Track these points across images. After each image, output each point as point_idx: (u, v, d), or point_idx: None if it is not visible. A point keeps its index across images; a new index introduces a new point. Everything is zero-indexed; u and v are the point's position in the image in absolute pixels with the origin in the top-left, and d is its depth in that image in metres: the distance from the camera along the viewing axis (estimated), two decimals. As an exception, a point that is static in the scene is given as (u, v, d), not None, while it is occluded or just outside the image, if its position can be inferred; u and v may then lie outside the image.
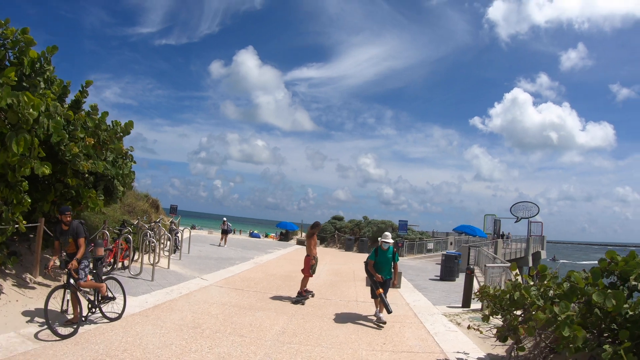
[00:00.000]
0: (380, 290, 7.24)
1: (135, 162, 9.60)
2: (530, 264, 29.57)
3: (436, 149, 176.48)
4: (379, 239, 7.65)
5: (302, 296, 8.70)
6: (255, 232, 40.48)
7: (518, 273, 6.99)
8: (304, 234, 30.80)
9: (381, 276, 7.36)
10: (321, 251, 18.40)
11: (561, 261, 50.45)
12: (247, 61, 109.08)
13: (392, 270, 7.60)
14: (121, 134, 8.17)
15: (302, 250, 16.12)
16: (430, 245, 26.37)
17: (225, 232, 20.63)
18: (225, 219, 20.96)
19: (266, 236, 38.12)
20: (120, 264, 9.79)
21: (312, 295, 9.15)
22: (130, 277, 8.94)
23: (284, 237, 33.95)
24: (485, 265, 11.92)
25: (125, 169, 9.12)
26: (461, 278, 12.42)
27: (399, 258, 8.42)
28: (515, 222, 34.50)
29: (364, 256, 10.85)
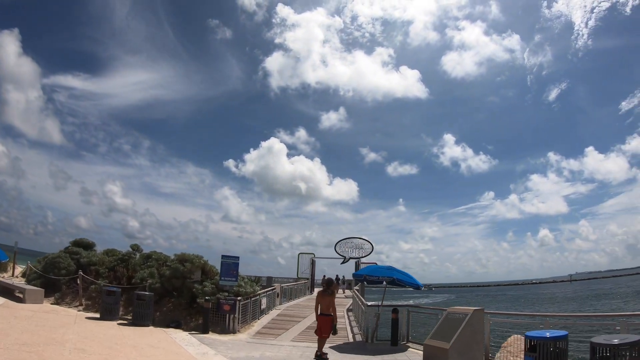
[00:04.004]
0: None
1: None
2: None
3: (188, 186, 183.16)
4: None
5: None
6: None
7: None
8: (18, 266, 19.68)
9: None
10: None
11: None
12: (8, 46, 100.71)
13: None
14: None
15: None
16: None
17: None
18: None
19: None
20: None
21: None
22: None
23: None
24: None
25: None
26: None
27: None
28: (342, 263, 28.84)
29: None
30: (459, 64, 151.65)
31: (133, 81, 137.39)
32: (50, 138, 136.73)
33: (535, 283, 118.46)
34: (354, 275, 11.71)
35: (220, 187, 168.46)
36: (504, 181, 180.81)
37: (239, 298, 12.39)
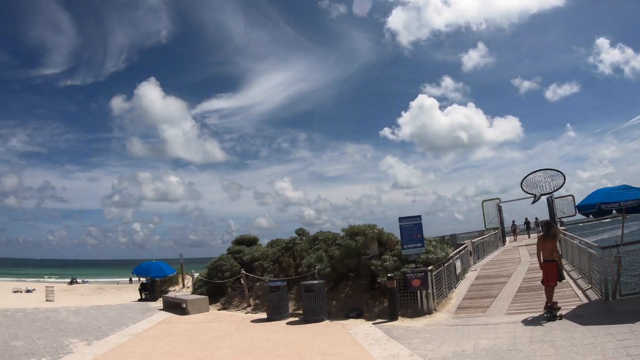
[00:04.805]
0: None
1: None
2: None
3: (352, 164, 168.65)
4: None
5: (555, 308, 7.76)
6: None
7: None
8: (188, 279, 19.60)
9: None
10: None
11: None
12: (150, 93, 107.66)
13: None
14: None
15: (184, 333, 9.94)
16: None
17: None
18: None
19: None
20: None
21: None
22: None
23: (149, 290, 18.16)
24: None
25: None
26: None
27: None
28: (533, 202, 23.82)
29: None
30: None
31: (272, 85, 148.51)
32: (214, 158, 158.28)
33: None
34: (579, 207, 8.65)
35: (382, 157, 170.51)
36: None
37: (429, 268, 10.32)
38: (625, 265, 8.40)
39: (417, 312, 9.99)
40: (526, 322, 7.78)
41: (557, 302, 7.87)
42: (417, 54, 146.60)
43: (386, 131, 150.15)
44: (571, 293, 9.49)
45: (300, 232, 16.42)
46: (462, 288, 12.17)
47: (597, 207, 8.14)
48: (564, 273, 8.31)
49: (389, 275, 10.26)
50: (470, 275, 14.04)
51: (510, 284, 11.63)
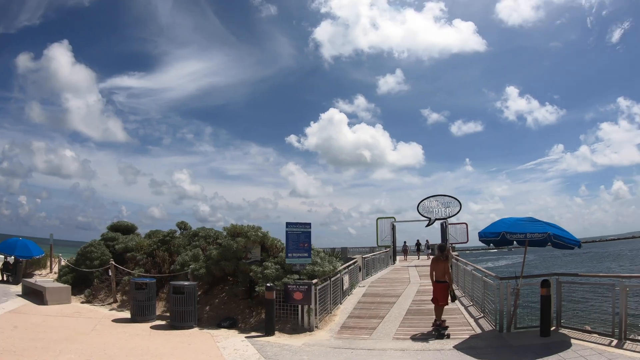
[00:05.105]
0: None
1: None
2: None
3: (253, 166, 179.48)
4: None
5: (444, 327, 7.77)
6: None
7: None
8: (55, 260, 16.94)
9: None
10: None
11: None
12: (60, 56, 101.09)
13: None
14: None
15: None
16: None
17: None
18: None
19: None
20: None
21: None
22: None
23: (12, 272, 15.62)
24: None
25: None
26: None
27: None
28: (427, 225, 24.30)
29: None
30: (514, 11, 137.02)
31: (187, 72, 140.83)
32: (115, 137, 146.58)
33: (613, 240, 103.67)
34: (482, 235, 7.66)
35: (285, 163, 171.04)
36: (573, 132, 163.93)
37: (314, 281, 9.03)
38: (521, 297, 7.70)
39: (297, 328, 8.80)
40: (415, 351, 6.84)
41: (445, 321, 7.92)
42: (337, 69, 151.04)
43: (292, 138, 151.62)
44: (463, 320, 8.76)
45: (182, 226, 14.35)
46: (348, 305, 11.00)
47: (501, 235, 7.29)
48: (455, 294, 8.31)
49: (268, 285, 8.81)
50: (358, 292, 12.97)
51: (399, 305, 10.73)
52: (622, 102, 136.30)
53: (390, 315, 9.53)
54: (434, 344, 7.15)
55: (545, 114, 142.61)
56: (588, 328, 7.13)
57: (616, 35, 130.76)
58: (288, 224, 9.74)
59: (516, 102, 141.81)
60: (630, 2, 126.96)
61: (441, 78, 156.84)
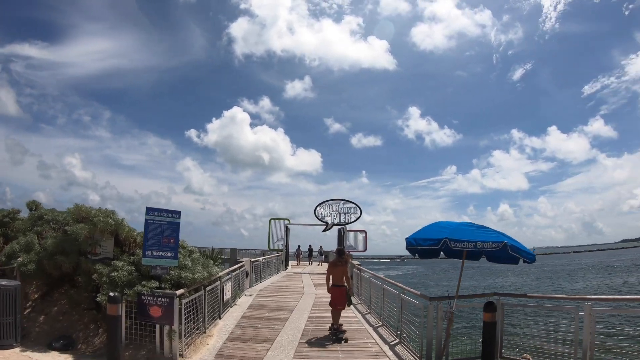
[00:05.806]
0: None
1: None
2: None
3: (149, 157, 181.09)
4: None
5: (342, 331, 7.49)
6: None
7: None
8: None
9: None
10: None
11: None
12: None
13: None
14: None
15: None
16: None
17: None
18: None
19: None
20: None
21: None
22: None
23: None
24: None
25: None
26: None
27: None
28: (324, 230, 22.79)
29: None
30: (428, 37, 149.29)
31: (93, 50, 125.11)
32: (5, 110, 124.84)
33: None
34: (412, 241, 5.66)
35: (182, 158, 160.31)
36: (467, 156, 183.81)
37: (180, 292, 6.42)
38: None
39: (154, 356, 6.31)
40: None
41: (342, 325, 7.68)
42: (246, 67, 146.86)
43: (192, 132, 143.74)
44: (377, 349, 6.81)
45: (32, 206, 10.27)
46: (229, 320, 8.52)
47: (442, 243, 5.50)
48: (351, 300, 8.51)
49: (111, 294, 6.08)
50: (243, 302, 10.50)
51: (293, 323, 8.57)
52: (516, 133, 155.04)
53: (282, 338, 7.30)
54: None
55: (442, 136, 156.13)
56: (528, 357, 5.69)
57: (517, 73, 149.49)
58: (149, 210, 6.84)
59: (417, 122, 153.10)
60: (535, 47, 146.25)
61: (348, 90, 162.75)
